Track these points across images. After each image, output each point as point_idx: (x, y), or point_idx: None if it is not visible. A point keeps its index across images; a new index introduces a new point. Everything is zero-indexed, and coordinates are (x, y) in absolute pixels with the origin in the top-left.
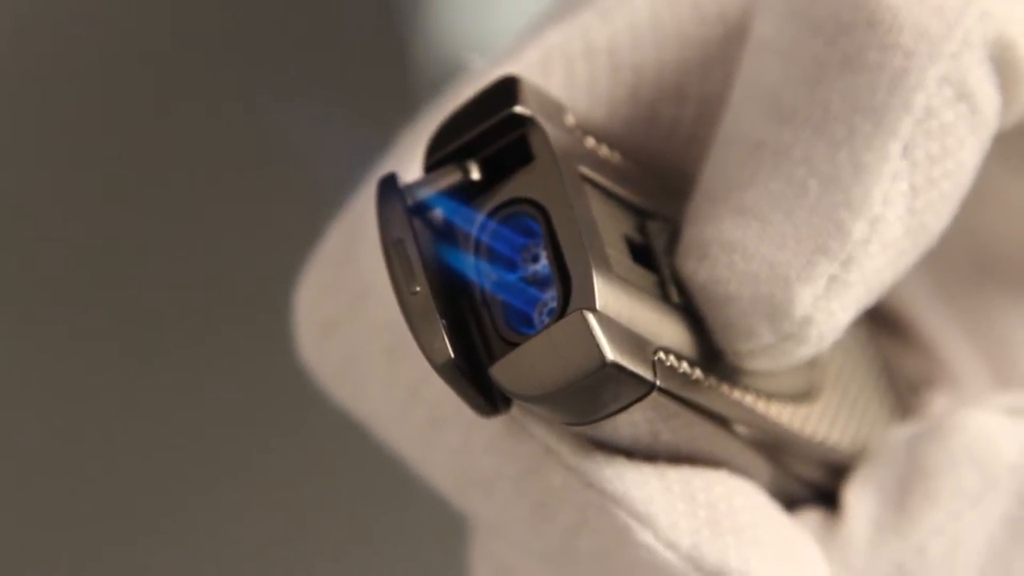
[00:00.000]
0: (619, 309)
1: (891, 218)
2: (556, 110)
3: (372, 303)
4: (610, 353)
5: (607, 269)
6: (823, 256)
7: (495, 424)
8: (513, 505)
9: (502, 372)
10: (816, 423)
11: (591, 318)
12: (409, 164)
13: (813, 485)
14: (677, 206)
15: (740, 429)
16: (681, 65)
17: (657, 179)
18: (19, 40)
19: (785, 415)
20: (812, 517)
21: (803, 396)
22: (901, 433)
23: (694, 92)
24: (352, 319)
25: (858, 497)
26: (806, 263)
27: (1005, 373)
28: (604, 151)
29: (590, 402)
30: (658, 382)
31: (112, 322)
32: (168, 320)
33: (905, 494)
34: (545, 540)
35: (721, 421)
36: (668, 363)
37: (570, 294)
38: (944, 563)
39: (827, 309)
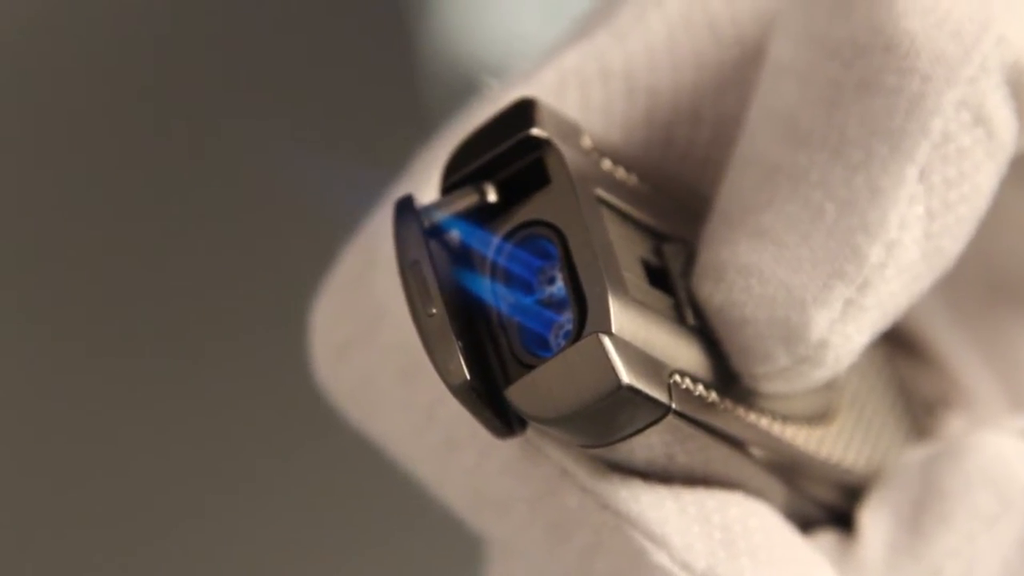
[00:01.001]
0: (635, 332)
1: (907, 242)
2: (573, 132)
3: (387, 325)
4: (626, 376)
5: (623, 292)
6: (839, 280)
7: (511, 446)
8: (529, 527)
9: (518, 394)
10: (832, 445)
11: (607, 341)
12: (424, 186)
13: (828, 507)
14: (693, 229)
15: (755, 451)
16: (697, 87)
17: (673, 201)
18: (23, 51)
19: (800, 437)
20: (827, 539)
21: (819, 418)
22: (916, 455)
23: (709, 114)
24: (367, 341)
25: (873, 519)
26: (822, 287)
27: (1020, 395)
28: (621, 173)
29: (606, 425)
30: (674, 405)
31: (132, 345)
32: (184, 339)
33: (920, 516)
34: (560, 562)
35: (736, 444)
36: (684, 386)
37: (586, 317)
38: None
39: (843, 332)
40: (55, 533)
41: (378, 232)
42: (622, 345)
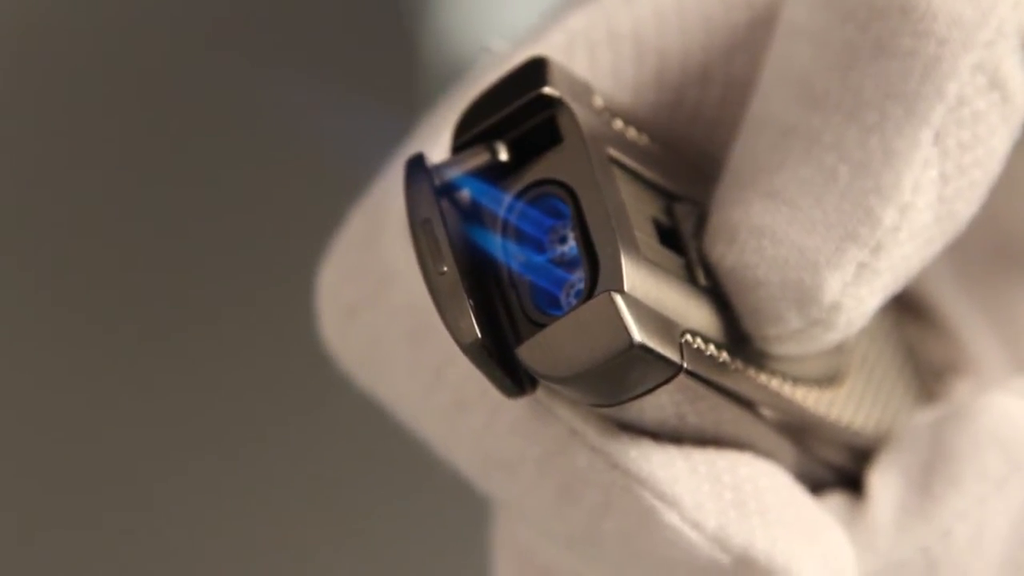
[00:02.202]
0: (647, 291)
1: (921, 205)
2: (584, 91)
3: (395, 286)
4: (638, 335)
5: (635, 251)
6: (853, 243)
7: (520, 406)
8: (537, 487)
9: (529, 353)
10: (841, 407)
11: (619, 300)
12: (433, 146)
13: (838, 469)
14: (704, 189)
15: (766, 412)
16: (706, 49)
17: (684, 162)
18: (45, 19)
19: (811, 399)
20: (837, 501)
21: (829, 380)
22: (925, 417)
23: (719, 75)
24: (375, 303)
25: (883, 481)
26: (835, 249)
27: (1023, 360)
28: (632, 133)
29: (617, 383)
30: (685, 364)
31: (132, 307)
32: (190, 306)
33: (929, 478)
34: (570, 522)
35: (747, 404)
36: (695, 345)
37: (598, 276)
38: (969, 547)
39: (856, 295)
40: (59, 513)
41: (386, 193)
42: (634, 304)
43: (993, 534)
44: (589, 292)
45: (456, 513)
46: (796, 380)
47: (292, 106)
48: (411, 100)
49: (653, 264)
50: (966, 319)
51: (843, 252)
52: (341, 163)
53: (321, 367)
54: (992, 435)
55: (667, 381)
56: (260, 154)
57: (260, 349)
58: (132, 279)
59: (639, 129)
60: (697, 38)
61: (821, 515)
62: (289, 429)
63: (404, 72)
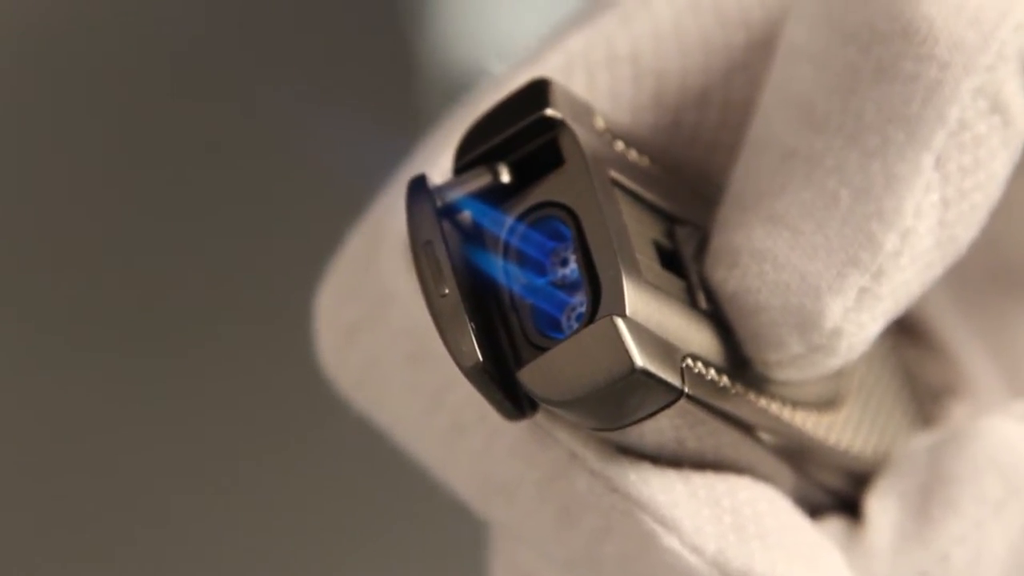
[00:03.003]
0: (648, 315)
1: (922, 230)
2: (586, 113)
3: (394, 308)
4: (640, 359)
5: (637, 275)
6: (854, 268)
7: (519, 429)
8: (537, 511)
9: (530, 376)
10: (840, 431)
11: (621, 324)
12: (433, 167)
13: (836, 493)
14: (705, 212)
15: (765, 436)
16: (704, 71)
17: (685, 184)
18: (46, 38)
19: (810, 423)
20: (835, 525)
21: (827, 405)
22: (923, 441)
23: (717, 97)
24: (373, 325)
25: (881, 505)
26: (837, 274)
27: (1020, 384)
28: (633, 155)
29: (618, 408)
30: (687, 389)
31: (130, 325)
32: (187, 325)
33: (927, 502)
34: (569, 546)
35: (746, 428)
36: (696, 370)
37: (599, 299)
38: (967, 571)
39: (857, 321)
40: (49, 530)
41: (385, 214)
42: (636, 328)
43: (991, 559)
44: (591, 315)
45: (452, 537)
46: (796, 404)
47: (291, 125)
48: (410, 119)
49: (655, 288)
50: (964, 343)
51: (844, 277)
52: (339, 183)
53: (318, 389)
54: (990, 459)
55: (668, 406)
56: (258, 173)
57: (257, 370)
58: (130, 297)
59: (640, 151)
60: (695, 60)
61: (820, 539)
62: (285, 451)
63: (402, 90)
